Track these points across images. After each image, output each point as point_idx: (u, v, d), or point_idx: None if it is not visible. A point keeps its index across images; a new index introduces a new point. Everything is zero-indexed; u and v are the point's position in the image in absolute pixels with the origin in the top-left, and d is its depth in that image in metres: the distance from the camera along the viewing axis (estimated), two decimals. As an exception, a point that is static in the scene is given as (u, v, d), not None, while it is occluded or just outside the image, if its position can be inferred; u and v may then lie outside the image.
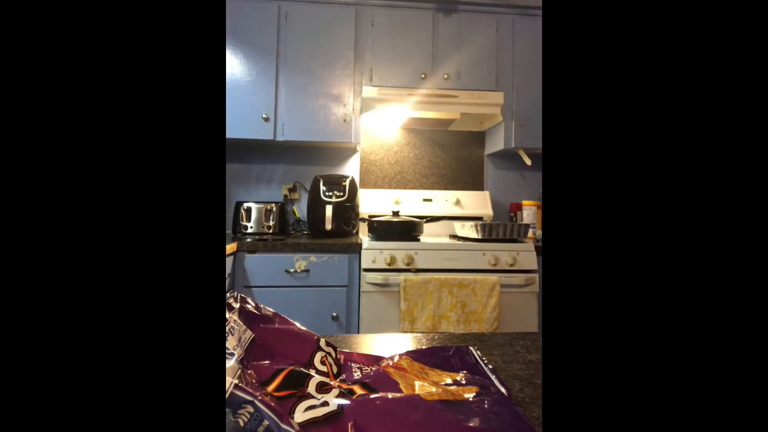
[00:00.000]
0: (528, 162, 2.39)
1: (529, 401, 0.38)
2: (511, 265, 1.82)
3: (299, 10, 2.15)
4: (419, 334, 0.61)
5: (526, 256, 1.85)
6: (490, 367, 0.40)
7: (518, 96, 2.22)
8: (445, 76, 2.18)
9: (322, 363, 0.37)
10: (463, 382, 0.36)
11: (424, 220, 2.06)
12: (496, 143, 2.37)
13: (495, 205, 2.48)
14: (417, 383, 0.35)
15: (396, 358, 0.39)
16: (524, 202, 2.36)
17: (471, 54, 2.21)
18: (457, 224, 2.17)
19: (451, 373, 0.37)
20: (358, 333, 1.78)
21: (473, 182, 2.52)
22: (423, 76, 2.18)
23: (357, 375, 0.38)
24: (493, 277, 1.76)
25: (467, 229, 2.04)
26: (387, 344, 0.56)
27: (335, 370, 0.37)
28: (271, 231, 2.12)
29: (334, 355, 0.40)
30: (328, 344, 0.40)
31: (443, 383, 0.35)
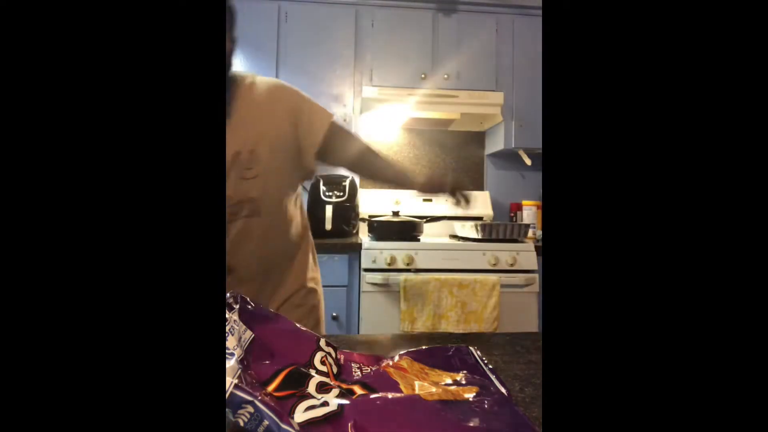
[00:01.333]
0: (528, 162, 2.39)
1: (529, 401, 0.38)
2: (511, 265, 1.82)
3: (299, 10, 2.15)
4: (419, 334, 0.61)
5: (526, 256, 1.85)
6: (490, 367, 0.40)
7: (518, 96, 2.22)
8: (445, 76, 2.18)
9: (322, 363, 0.37)
10: (463, 382, 0.36)
11: (424, 220, 2.06)
12: (496, 143, 2.37)
13: (495, 205, 2.48)
14: (417, 383, 0.35)
15: (396, 358, 0.39)
16: (524, 202, 2.36)
17: (471, 54, 2.21)
18: (457, 224, 2.17)
19: (451, 373, 0.37)
20: (358, 333, 1.78)
21: (473, 182, 2.52)
22: (423, 76, 2.18)
23: (357, 375, 0.38)
24: (493, 277, 1.76)
25: (467, 229, 2.04)
26: (387, 344, 0.56)
27: (335, 370, 0.37)
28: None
29: (334, 355, 0.40)
30: (328, 344, 0.40)
31: (443, 383, 0.35)
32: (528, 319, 1.81)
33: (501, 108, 2.17)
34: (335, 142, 0.95)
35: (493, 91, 2.18)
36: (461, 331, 1.70)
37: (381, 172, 1.00)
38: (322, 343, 0.40)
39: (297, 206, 1.03)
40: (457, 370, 0.38)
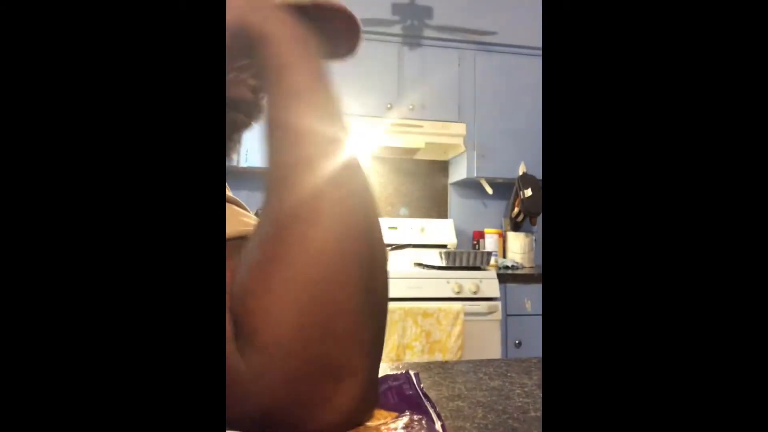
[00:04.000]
0: (489, 191, 2.45)
1: (492, 428, 0.38)
2: (474, 293, 1.84)
3: (266, 38, 2.16)
4: (382, 365, 0.60)
5: (489, 283, 1.87)
6: (427, 395, 0.39)
7: (479, 127, 2.29)
8: (411, 106, 2.24)
9: None
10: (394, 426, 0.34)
11: (390, 248, 2.05)
12: (458, 172, 2.42)
13: (458, 232, 2.51)
14: None
15: None
16: (486, 230, 2.41)
17: (435, 86, 2.28)
18: (421, 252, 2.18)
19: (386, 412, 0.35)
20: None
21: (437, 210, 2.56)
22: (389, 106, 2.22)
23: None
24: (457, 305, 1.76)
25: (432, 257, 2.05)
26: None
27: None
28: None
29: None
30: None
31: (375, 425, 0.33)
32: (490, 346, 1.82)
33: (463, 138, 2.23)
34: None
35: (456, 122, 2.25)
36: (425, 361, 1.68)
37: None
38: None
39: None
40: (392, 408, 0.36)
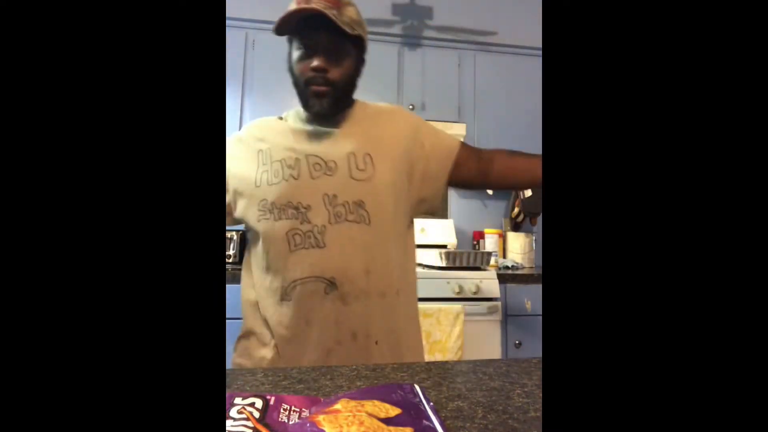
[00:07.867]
0: (489, 191, 2.45)
1: (492, 428, 0.38)
2: (475, 293, 1.84)
3: (267, 38, 2.16)
4: (383, 367, 0.60)
5: (489, 284, 1.87)
6: (432, 404, 0.39)
7: (479, 128, 2.29)
8: (411, 106, 2.23)
9: (239, 413, 0.36)
10: (398, 418, 0.34)
11: (389, 247, 2.05)
12: (459, 173, 2.42)
13: (458, 233, 2.51)
14: (344, 423, 0.32)
15: (332, 402, 0.37)
16: (486, 230, 2.40)
17: (435, 86, 2.28)
18: (421, 252, 2.18)
19: (389, 405, 0.36)
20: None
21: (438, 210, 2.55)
22: (388, 106, 2.22)
23: (283, 419, 0.36)
24: (457, 306, 1.76)
25: (432, 257, 2.05)
26: (331, 383, 0.54)
27: (257, 415, 0.36)
28: (230, 260, 2.06)
29: (260, 403, 0.38)
30: (252, 396, 0.39)
31: (379, 417, 0.34)
32: (491, 347, 1.82)
33: (463, 138, 2.23)
34: (469, 163, 0.94)
35: (456, 122, 2.25)
36: (426, 361, 1.68)
37: (524, 172, 0.93)
38: (238, 399, 0.38)
39: (409, 249, 0.91)
40: (396, 404, 0.36)
